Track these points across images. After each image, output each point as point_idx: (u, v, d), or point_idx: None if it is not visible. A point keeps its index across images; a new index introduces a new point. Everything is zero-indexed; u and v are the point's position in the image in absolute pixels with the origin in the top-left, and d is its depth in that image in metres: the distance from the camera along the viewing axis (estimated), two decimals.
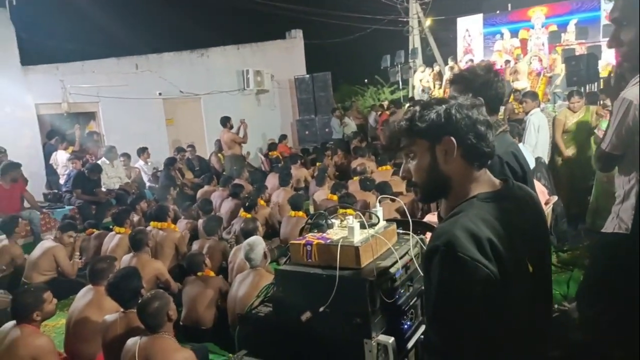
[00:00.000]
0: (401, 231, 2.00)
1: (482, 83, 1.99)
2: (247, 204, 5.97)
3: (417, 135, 1.28)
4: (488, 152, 1.27)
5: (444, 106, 1.26)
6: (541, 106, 6.63)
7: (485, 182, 1.30)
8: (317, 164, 9.28)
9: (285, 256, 5.46)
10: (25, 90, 8.64)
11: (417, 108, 1.31)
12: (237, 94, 12.42)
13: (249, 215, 5.66)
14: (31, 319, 3.07)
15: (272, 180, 8.00)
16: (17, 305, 3.10)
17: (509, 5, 15.63)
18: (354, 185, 6.70)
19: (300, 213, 5.73)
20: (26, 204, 6.72)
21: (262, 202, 6.27)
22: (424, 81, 13.92)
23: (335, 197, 5.96)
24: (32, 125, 8.82)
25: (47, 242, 5.23)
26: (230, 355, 3.59)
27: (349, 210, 4.42)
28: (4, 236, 5.49)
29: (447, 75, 13.14)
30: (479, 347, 1.14)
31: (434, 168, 1.27)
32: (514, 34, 14.96)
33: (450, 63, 13.50)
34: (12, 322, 3.11)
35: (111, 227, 6.14)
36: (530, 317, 1.24)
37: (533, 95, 5.97)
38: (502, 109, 7.03)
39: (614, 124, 2.15)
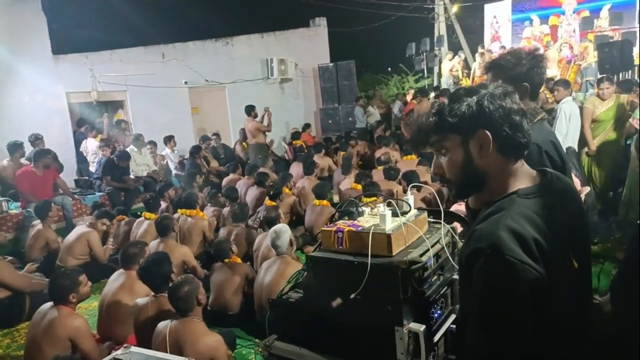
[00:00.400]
0: (431, 220, 1.99)
1: (529, 69, 1.92)
2: (272, 192, 6.02)
3: (448, 130, 1.21)
4: (525, 142, 1.19)
5: (474, 97, 1.19)
6: (572, 95, 6.45)
7: (524, 175, 1.23)
8: (341, 153, 9.26)
9: (310, 244, 5.55)
10: (56, 79, 8.85)
11: (446, 101, 1.24)
12: (261, 82, 12.46)
13: (274, 204, 5.71)
14: (68, 301, 3.17)
15: (295, 169, 8.03)
16: (55, 287, 3.20)
17: None
18: (378, 175, 6.67)
19: (325, 202, 5.76)
20: (59, 190, 6.91)
21: (287, 190, 6.31)
22: (453, 70, 13.66)
23: (359, 186, 5.96)
24: (63, 114, 9.04)
25: (81, 228, 5.39)
26: (257, 340, 3.66)
27: (373, 199, 4.43)
28: (38, 221, 5.67)
29: (477, 62, 12.89)
30: (527, 351, 1.08)
31: (469, 164, 1.20)
32: (544, 20, 14.53)
33: (481, 50, 13.21)
34: (50, 304, 3.22)
35: (139, 213, 6.29)
36: (577, 314, 1.19)
37: (565, 83, 5.81)
38: None
39: None
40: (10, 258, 5.08)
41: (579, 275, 1.19)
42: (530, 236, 1.07)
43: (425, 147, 1.31)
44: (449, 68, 13.77)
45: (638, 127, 5.33)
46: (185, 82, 10.88)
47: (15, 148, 6.88)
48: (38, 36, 8.59)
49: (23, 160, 6.91)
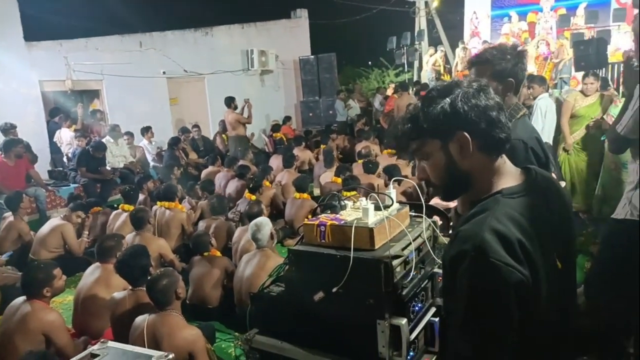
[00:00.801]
0: (413, 214, 2.00)
1: (514, 64, 1.92)
2: (251, 185, 5.98)
3: (426, 136, 1.20)
4: (504, 137, 1.18)
5: (448, 99, 1.16)
6: (549, 91, 6.56)
7: (508, 173, 1.22)
8: (322, 146, 9.26)
9: (290, 237, 5.53)
10: (29, 66, 8.57)
11: (419, 105, 1.21)
12: (241, 74, 12.33)
13: (253, 197, 5.68)
14: (41, 295, 3.11)
15: (275, 161, 8.00)
16: (28, 281, 3.13)
17: None
18: (358, 169, 6.69)
19: (305, 195, 5.76)
20: (32, 182, 6.73)
21: (267, 183, 6.28)
22: (436, 64, 13.73)
23: (339, 180, 5.97)
24: (36, 102, 8.78)
25: (55, 220, 5.27)
26: (237, 333, 3.65)
27: (353, 193, 4.44)
28: (9, 213, 5.51)
29: (458, 57, 12.98)
30: (512, 352, 1.09)
31: (452, 166, 1.19)
32: (522, 17, 14.73)
33: (462, 45, 13.32)
34: (22, 298, 3.15)
35: (115, 205, 6.18)
36: (560, 313, 1.20)
37: (541, 80, 5.91)
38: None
39: (634, 107, 2.13)
40: None
41: (563, 275, 1.19)
42: (514, 237, 1.07)
43: (407, 153, 1.29)
44: (432, 62, 13.85)
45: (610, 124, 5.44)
46: (164, 72, 10.68)
47: None
48: (10, 22, 8.29)
49: None
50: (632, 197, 2.21)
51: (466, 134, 1.15)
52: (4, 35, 8.19)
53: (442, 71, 13.38)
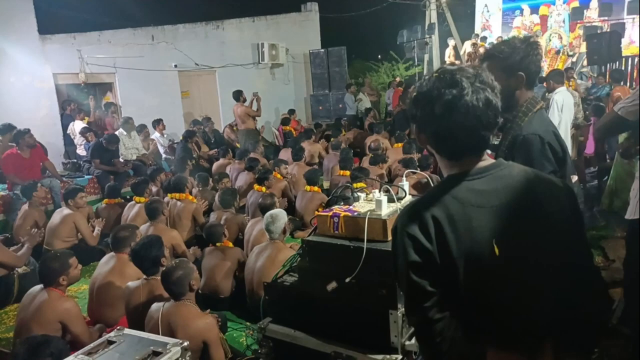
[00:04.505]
0: None
1: (523, 57, 1.90)
2: (257, 177, 6.00)
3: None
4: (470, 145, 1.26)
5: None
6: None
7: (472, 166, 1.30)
8: (331, 139, 9.27)
9: (300, 229, 5.55)
10: (43, 59, 8.67)
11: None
12: (251, 67, 12.35)
13: (263, 189, 5.71)
14: (58, 284, 3.16)
15: (284, 154, 8.03)
16: (45, 270, 3.18)
17: None
18: (368, 162, 6.71)
19: (316, 188, 5.78)
20: (47, 173, 6.82)
21: (278, 175, 6.30)
22: (450, 56, 13.67)
23: (347, 173, 5.98)
24: (50, 95, 8.88)
25: (65, 210, 5.28)
26: (248, 323, 3.70)
27: (361, 184, 4.44)
28: (27, 202, 5.59)
29: (466, 51, 12.90)
30: (465, 326, 1.22)
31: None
32: (534, 10, 14.59)
33: (473, 40, 13.23)
34: (40, 286, 3.21)
35: (128, 197, 6.25)
36: (503, 294, 1.22)
37: (558, 73, 5.84)
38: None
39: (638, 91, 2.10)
40: (1, 237, 5.02)
41: (501, 262, 1.20)
42: (428, 214, 1.20)
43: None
44: (448, 55, 13.79)
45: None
46: (175, 66, 10.74)
47: (6, 129, 6.76)
48: (24, 16, 8.37)
49: (10, 143, 6.79)
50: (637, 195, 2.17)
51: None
52: (19, 29, 8.28)
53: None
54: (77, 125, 8.40)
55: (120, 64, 9.67)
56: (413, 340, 1.68)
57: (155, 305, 2.93)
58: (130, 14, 10.92)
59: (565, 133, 5.41)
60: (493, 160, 1.29)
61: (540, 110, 1.99)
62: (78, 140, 8.33)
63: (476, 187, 1.23)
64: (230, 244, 4.34)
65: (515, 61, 1.91)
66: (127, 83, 9.92)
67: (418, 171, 5.14)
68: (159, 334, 2.71)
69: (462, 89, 1.18)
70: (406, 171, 2.81)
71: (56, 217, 5.24)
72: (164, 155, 9.00)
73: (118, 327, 2.46)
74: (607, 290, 1.42)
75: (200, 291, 4.01)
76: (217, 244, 4.20)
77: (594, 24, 11.87)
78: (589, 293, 1.30)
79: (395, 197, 1.78)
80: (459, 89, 1.18)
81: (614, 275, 3.67)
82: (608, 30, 10.91)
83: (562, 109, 5.08)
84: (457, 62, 13.01)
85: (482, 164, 1.27)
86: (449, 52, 13.83)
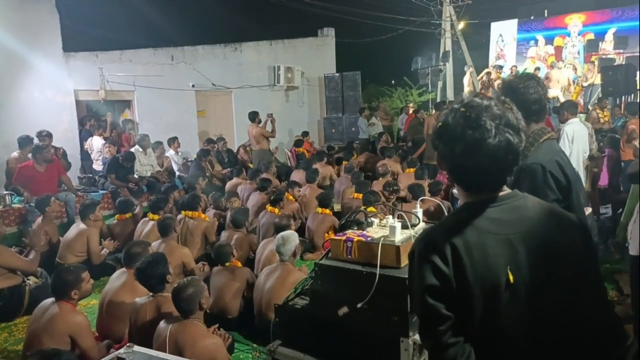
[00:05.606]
0: None
1: (529, 92, 1.97)
2: (272, 198, 6.03)
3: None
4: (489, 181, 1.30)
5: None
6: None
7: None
8: (343, 162, 9.32)
9: (310, 251, 5.53)
10: (66, 75, 8.91)
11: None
12: (267, 89, 12.54)
13: (276, 210, 5.73)
14: (69, 297, 3.18)
15: (296, 176, 8.08)
16: (58, 283, 3.20)
17: (546, 11, 15.36)
18: (378, 186, 6.70)
19: (327, 210, 5.79)
20: (63, 186, 6.93)
21: (290, 197, 6.33)
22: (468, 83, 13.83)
23: (360, 196, 5.98)
24: (70, 110, 9.08)
25: (81, 224, 5.36)
26: (255, 345, 3.68)
27: (370, 208, 4.43)
28: (41, 216, 5.68)
29: (479, 80, 12.99)
30: (447, 337, 1.22)
31: None
32: (549, 40, 14.70)
33: (487, 70, 13.35)
34: (51, 299, 3.23)
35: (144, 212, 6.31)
36: (516, 326, 1.23)
37: (572, 105, 5.83)
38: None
39: None
40: (17, 248, 5.09)
41: (515, 289, 1.22)
42: (445, 241, 1.23)
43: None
44: (467, 83, 13.93)
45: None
46: (193, 85, 10.96)
47: (26, 142, 6.91)
48: (50, 33, 8.65)
49: (30, 156, 6.93)
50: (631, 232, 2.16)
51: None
52: (45, 45, 8.53)
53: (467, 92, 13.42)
54: (96, 141, 8.55)
55: (139, 82, 9.89)
56: None
57: (163, 323, 2.93)
58: (151, 34, 11.24)
59: (577, 164, 5.39)
60: (509, 190, 1.32)
61: (548, 141, 2.03)
62: (95, 155, 8.47)
63: (492, 215, 1.26)
64: (239, 264, 4.34)
65: (518, 98, 1.94)
66: (146, 101, 10.13)
67: (428, 197, 5.13)
68: (166, 352, 2.71)
69: (485, 132, 1.20)
70: (420, 198, 2.82)
71: (72, 232, 5.32)
72: (177, 173, 9.10)
73: (128, 344, 2.46)
74: (621, 325, 1.40)
75: (207, 310, 4.00)
76: (226, 264, 4.20)
77: (609, 56, 11.91)
78: (602, 327, 1.30)
79: (409, 224, 1.80)
80: (482, 131, 1.20)
81: (629, 310, 3.61)
82: (623, 62, 10.94)
83: (573, 140, 5.07)
84: (470, 89, 13.11)
85: (498, 193, 1.31)
86: (468, 80, 13.94)
